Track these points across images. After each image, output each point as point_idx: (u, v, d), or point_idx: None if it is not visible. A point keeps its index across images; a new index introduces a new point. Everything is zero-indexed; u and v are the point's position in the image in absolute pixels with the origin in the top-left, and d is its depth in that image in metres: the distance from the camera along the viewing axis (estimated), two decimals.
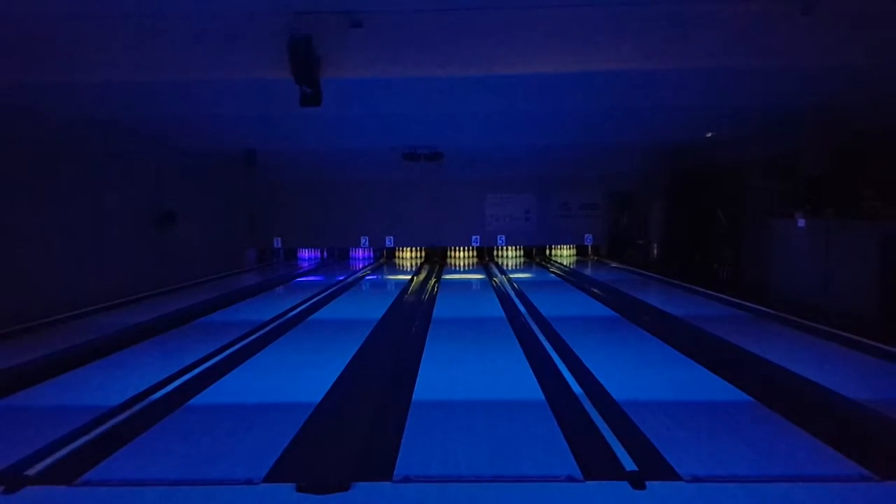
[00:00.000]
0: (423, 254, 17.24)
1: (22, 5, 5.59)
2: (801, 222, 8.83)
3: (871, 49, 5.92)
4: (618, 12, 5.92)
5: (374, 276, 13.76)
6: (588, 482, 3.19)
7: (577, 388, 4.79)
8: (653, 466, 3.35)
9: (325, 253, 17.40)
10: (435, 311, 8.70)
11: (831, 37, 5.89)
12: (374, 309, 8.53)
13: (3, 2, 5.47)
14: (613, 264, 15.17)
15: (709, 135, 11.55)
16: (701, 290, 10.09)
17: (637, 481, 3.14)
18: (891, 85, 7.24)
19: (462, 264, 16.16)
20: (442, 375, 5.33)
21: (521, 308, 8.61)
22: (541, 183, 16.68)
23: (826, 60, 6.04)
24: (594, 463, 3.42)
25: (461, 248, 17.26)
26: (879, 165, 8.40)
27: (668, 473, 3.27)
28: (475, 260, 16.82)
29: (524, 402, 4.56)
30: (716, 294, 9.56)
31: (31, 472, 3.37)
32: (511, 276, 13.14)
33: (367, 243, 16.83)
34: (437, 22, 5.98)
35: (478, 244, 16.97)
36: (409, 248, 17.31)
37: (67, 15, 5.87)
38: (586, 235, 16.94)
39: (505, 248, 17.18)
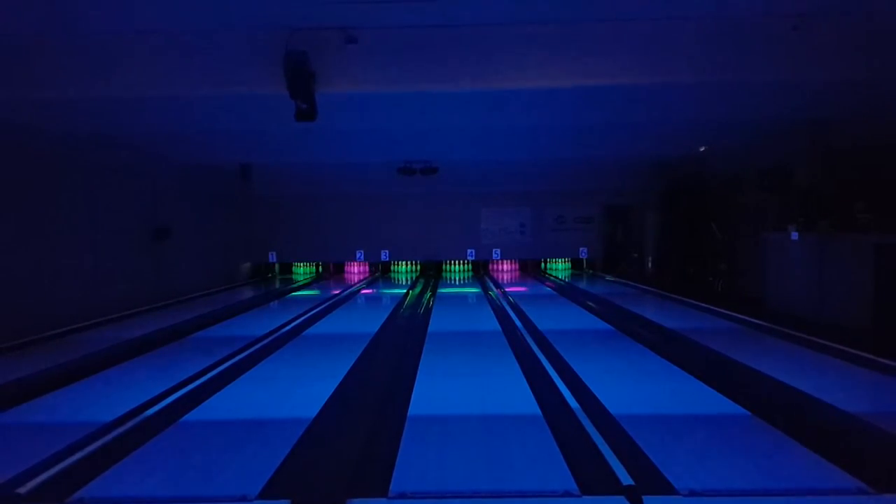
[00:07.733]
0: (419, 268, 17.25)
1: (21, 21, 5.62)
2: (795, 235, 8.88)
3: (861, 64, 6.00)
4: (610, 29, 5.99)
5: (370, 291, 13.74)
6: (585, 497, 3.17)
7: (573, 402, 4.78)
8: (649, 481, 3.34)
9: (320, 267, 17.38)
10: (430, 324, 8.69)
11: (821, 52, 5.96)
12: (369, 323, 8.51)
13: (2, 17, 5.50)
14: (608, 277, 15.20)
15: (702, 149, 11.64)
16: (696, 302, 10.12)
17: (634, 496, 3.12)
18: (882, 99, 7.33)
19: (457, 278, 16.15)
20: (438, 390, 5.31)
21: (517, 321, 8.60)
22: (536, 196, 16.76)
23: (817, 76, 6.11)
24: (591, 477, 3.40)
25: (457, 262, 17.28)
26: (872, 178, 8.46)
27: (665, 488, 3.26)
28: (471, 274, 16.82)
29: (520, 416, 4.55)
30: (710, 307, 9.58)
31: (24, 489, 3.33)
32: (506, 289, 13.14)
33: (362, 257, 16.83)
34: (432, 38, 6.04)
35: (473, 258, 16.99)
36: (404, 262, 17.32)
37: (64, 31, 5.91)
38: (581, 249, 16.99)
39: (500, 261, 17.20)
